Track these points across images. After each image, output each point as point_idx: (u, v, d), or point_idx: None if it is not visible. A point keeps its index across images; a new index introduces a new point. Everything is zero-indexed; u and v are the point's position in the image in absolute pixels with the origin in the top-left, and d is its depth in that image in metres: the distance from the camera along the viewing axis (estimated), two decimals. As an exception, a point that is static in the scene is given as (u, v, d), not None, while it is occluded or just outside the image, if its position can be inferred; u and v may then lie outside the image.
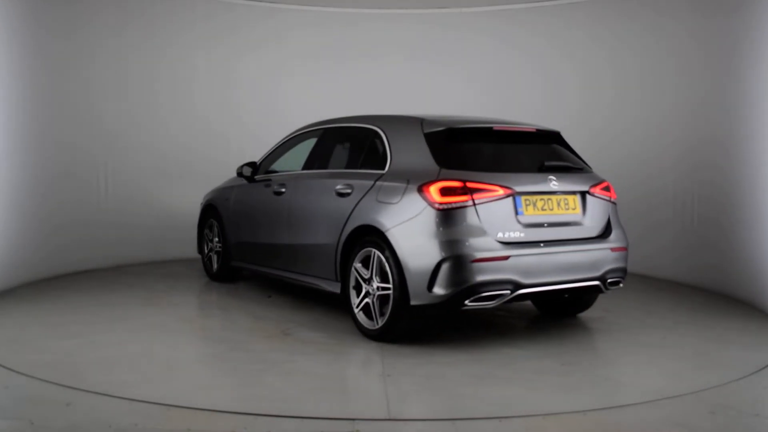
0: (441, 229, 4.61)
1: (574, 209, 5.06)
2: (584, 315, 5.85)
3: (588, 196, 5.14)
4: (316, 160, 6.13)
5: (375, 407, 3.72)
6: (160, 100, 8.56)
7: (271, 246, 6.36)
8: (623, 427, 3.52)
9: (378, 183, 5.12)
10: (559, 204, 5.01)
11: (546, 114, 8.42)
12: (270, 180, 6.45)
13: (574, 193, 5.09)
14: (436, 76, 9.25)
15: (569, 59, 8.65)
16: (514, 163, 5.13)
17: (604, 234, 5.20)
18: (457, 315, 5.77)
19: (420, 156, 4.96)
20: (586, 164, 5.46)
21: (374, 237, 4.97)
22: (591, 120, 8.45)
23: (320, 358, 4.62)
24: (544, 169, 5.08)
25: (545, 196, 4.94)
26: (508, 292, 4.66)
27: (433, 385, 4.13)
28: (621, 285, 5.31)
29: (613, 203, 5.34)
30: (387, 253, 4.83)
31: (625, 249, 5.29)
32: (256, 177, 6.71)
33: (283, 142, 6.76)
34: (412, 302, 4.69)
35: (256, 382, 4.12)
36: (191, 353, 4.91)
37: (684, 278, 7.35)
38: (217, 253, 7.26)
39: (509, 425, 3.50)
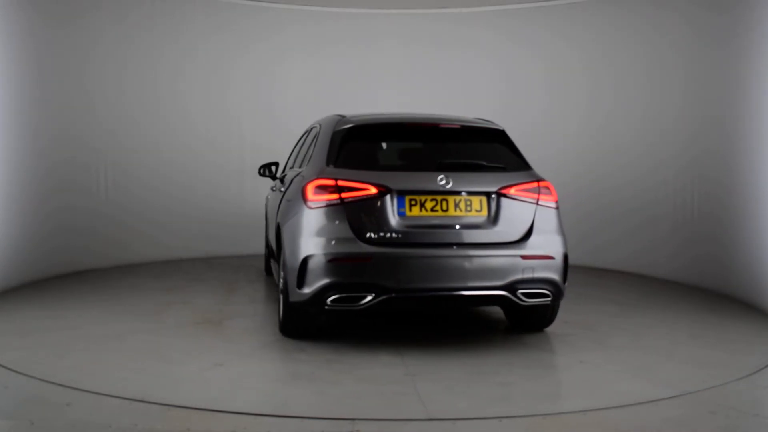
0: (309, 227, 4.57)
1: (479, 211, 4.64)
2: (556, 329, 5.33)
3: (502, 198, 4.69)
4: (296, 159, 6.30)
5: (152, 390, 3.85)
6: (186, 101, 8.72)
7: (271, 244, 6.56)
8: (623, 427, 3.52)
9: (293, 181, 5.24)
10: (457, 205, 4.61)
11: (553, 109, 8.68)
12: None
13: (480, 194, 4.67)
14: (438, 76, 9.27)
15: (571, 52, 8.67)
16: (412, 161, 4.90)
17: (521, 240, 4.70)
18: (440, 318, 5.77)
19: (322, 154, 4.96)
20: (525, 163, 5.01)
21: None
22: (589, 116, 8.50)
23: (196, 345, 4.83)
24: (444, 168, 4.73)
25: (439, 197, 4.60)
26: (372, 295, 4.42)
27: (235, 378, 4.18)
28: (548, 299, 4.74)
29: (548, 207, 4.79)
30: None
31: (546, 257, 4.66)
32: (277, 176, 6.91)
33: (296, 142, 6.96)
34: (291, 299, 4.70)
35: (95, 357, 4.52)
36: (106, 330, 5.22)
37: (683, 278, 7.34)
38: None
39: (509, 425, 3.50)
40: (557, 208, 4.87)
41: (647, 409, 3.74)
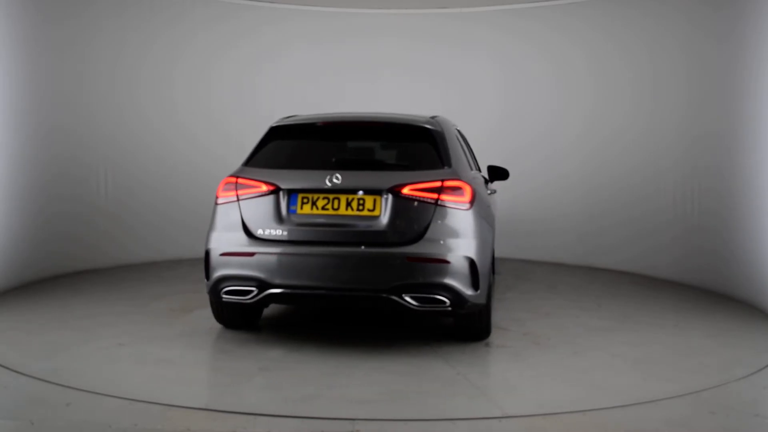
0: (213, 222, 4.83)
1: (371, 210, 4.53)
2: (501, 340, 5.00)
3: (396, 197, 4.51)
4: None
5: (28, 359, 4.39)
6: (174, 100, 8.65)
7: None
8: (623, 427, 3.52)
9: None
10: (349, 204, 4.57)
11: (559, 113, 8.66)
12: None
13: (372, 192, 4.55)
14: (438, 75, 9.28)
15: (575, 52, 8.67)
16: (316, 159, 4.92)
17: (412, 241, 4.46)
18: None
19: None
20: (444, 162, 4.73)
21: None
22: (596, 121, 8.50)
23: (132, 328, 5.22)
24: (340, 166, 4.78)
25: (330, 195, 4.59)
26: (255, 290, 4.56)
27: (109, 357, 4.51)
28: (446, 306, 4.44)
29: (453, 207, 4.50)
30: None
31: (438, 261, 4.41)
32: None
33: None
34: (207, 290, 4.87)
35: (38, 337, 4.99)
36: (93, 311, 5.74)
37: (683, 278, 7.34)
38: None
39: (509, 425, 3.51)
40: (469, 209, 4.56)
41: (647, 409, 3.74)
